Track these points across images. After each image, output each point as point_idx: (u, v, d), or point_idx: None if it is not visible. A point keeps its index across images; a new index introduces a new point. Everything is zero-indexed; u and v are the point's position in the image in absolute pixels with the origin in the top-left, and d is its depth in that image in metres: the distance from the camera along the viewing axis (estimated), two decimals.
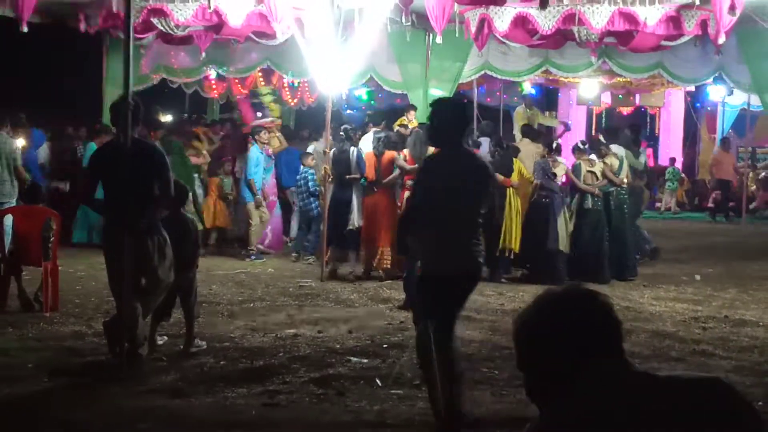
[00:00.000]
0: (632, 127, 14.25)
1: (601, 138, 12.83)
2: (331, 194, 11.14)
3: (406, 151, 11.35)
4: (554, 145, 11.94)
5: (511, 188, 11.30)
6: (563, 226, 11.26)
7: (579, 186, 11.58)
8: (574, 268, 11.13)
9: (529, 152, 12.47)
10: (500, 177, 11.28)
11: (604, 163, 11.73)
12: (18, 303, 8.77)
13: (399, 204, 10.93)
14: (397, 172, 11.17)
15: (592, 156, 11.80)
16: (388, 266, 11.05)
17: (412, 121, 12.84)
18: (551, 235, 11.16)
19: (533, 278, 11.06)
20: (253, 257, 12.60)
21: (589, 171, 11.64)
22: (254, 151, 12.74)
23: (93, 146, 12.14)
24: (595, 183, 11.61)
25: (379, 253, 11.01)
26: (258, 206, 12.69)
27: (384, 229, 10.92)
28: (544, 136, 15.37)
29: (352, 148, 11.38)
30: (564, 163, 11.83)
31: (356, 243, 11.46)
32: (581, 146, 12.15)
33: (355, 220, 11.29)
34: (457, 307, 5.51)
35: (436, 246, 5.44)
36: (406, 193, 10.54)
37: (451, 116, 5.51)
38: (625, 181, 11.88)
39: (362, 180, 11.28)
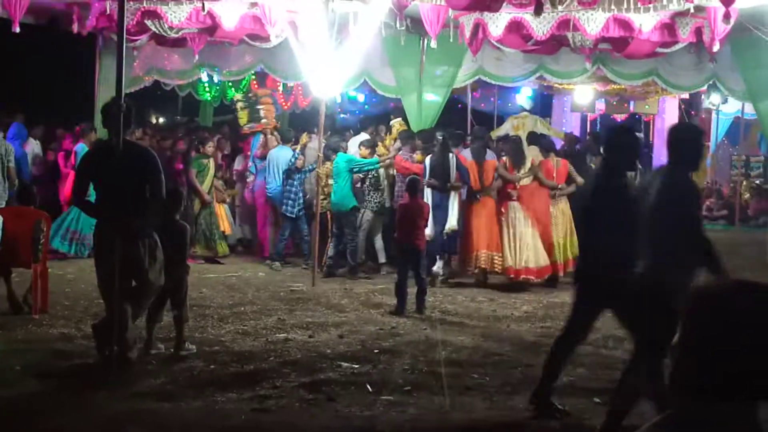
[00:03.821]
0: (593, 135, 15.11)
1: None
2: (432, 201, 11.05)
3: (505, 159, 11.50)
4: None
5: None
6: None
7: None
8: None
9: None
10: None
11: None
12: (7, 305, 8.71)
13: (503, 211, 11.19)
14: (499, 181, 11.32)
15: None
16: (486, 267, 11.22)
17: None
18: None
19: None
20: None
21: None
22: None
23: (84, 147, 12.07)
24: None
25: (474, 256, 11.16)
26: None
27: (485, 232, 11.12)
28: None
29: (450, 155, 11.34)
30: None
31: (449, 247, 11.58)
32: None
33: (450, 224, 11.28)
34: None
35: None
36: (512, 204, 11.10)
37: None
38: None
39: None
